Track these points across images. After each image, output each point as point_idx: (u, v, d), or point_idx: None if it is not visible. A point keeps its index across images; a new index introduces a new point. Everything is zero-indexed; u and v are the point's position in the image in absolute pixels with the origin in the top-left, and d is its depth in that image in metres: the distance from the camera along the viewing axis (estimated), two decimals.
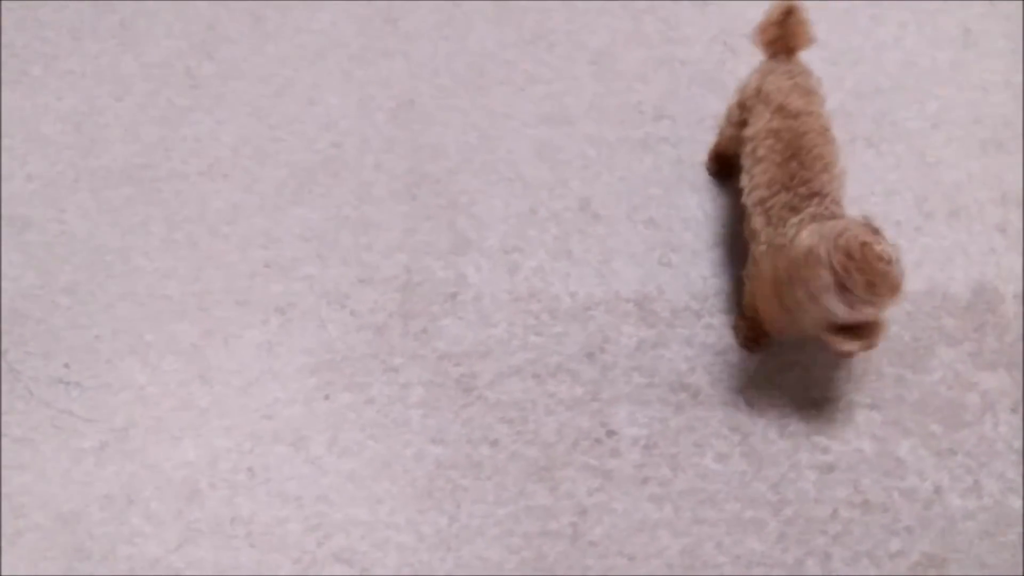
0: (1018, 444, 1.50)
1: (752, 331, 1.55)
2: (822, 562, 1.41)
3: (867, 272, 1.15)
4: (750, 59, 1.88)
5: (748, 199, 1.41)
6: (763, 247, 1.36)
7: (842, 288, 1.16)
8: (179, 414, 1.52)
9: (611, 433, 1.51)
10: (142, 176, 1.76)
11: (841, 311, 1.17)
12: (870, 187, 1.74)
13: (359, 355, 1.58)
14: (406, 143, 1.80)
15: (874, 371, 1.56)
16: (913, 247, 1.67)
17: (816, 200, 1.32)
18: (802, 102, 1.40)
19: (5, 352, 1.57)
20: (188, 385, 1.55)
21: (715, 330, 1.60)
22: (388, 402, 1.54)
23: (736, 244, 1.68)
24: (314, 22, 1.95)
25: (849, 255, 1.15)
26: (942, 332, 1.59)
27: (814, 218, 1.29)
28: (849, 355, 1.35)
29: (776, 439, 1.50)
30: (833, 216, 1.30)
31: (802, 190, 1.32)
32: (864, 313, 1.18)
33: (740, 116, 1.50)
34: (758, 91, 1.44)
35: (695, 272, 1.66)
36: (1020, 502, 1.46)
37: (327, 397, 1.54)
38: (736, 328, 1.58)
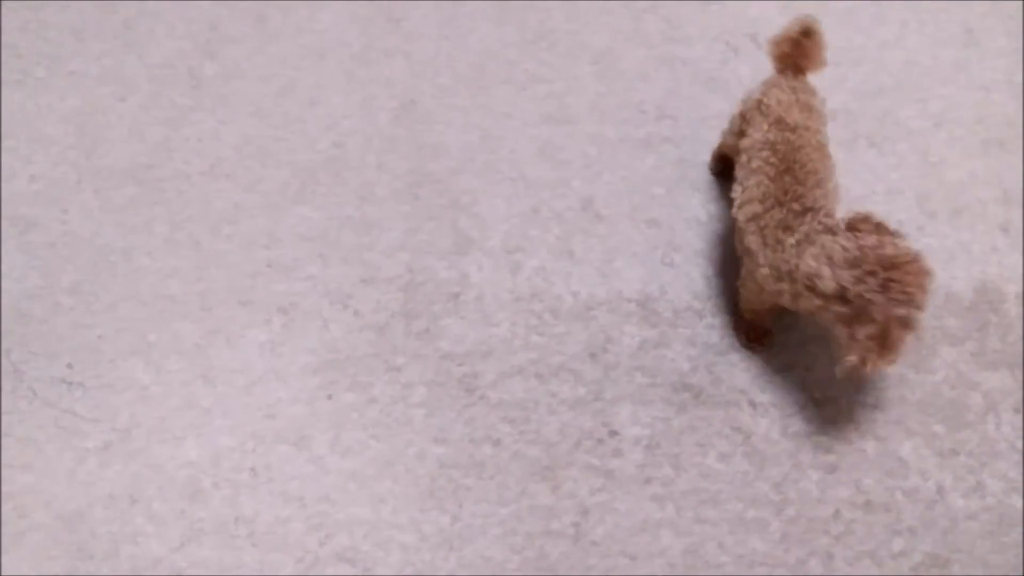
0: (1020, 444, 1.50)
1: (754, 331, 1.55)
2: (824, 562, 1.41)
3: (902, 280, 1.16)
4: (752, 59, 1.89)
5: (740, 214, 1.40)
6: (765, 270, 1.35)
7: (862, 310, 1.18)
8: (182, 414, 1.52)
9: (613, 433, 1.51)
10: (145, 176, 1.76)
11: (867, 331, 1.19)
12: (872, 186, 1.74)
13: (361, 355, 1.58)
14: (408, 143, 1.80)
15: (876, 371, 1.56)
16: (915, 247, 1.67)
17: (808, 216, 1.31)
18: (801, 117, 1.40)
19: (8, 352, 1.58)
20: (191, 385, 1.55)
21: (717, 330, 1.60)
22: (390, 402, 1.54)
23: (734, 245, 1.68)
24: (316, 22, 1.95)
25: (874, 272, 1.16)
26: (944, 332, 1.59)
27: (808, 237, 1.28)
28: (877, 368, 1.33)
29: (778, 439, 1.50)
30: (828, 229, 1.28)
31: (795, 206, 1.32)
32: (900, 315, 1.18)
33: (740, 126, 1.50)
34: (759, 103, 1.44)
35: (697, 272, 1.66)
36: (1022, 502, 1.46)
37: (330, 397, 1.54)
38: (738, 328, 1.58)
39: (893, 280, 1.17)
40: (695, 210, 1.72)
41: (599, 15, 1.96)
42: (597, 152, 1.79)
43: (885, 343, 1.19)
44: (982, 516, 1.45)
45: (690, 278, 1.65)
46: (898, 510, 1.45)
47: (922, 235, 1.69)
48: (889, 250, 1.19)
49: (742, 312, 1.54)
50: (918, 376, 1.55)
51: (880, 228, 1.26)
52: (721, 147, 1.67)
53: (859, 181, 1.73)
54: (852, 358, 1.22)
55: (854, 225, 1.27)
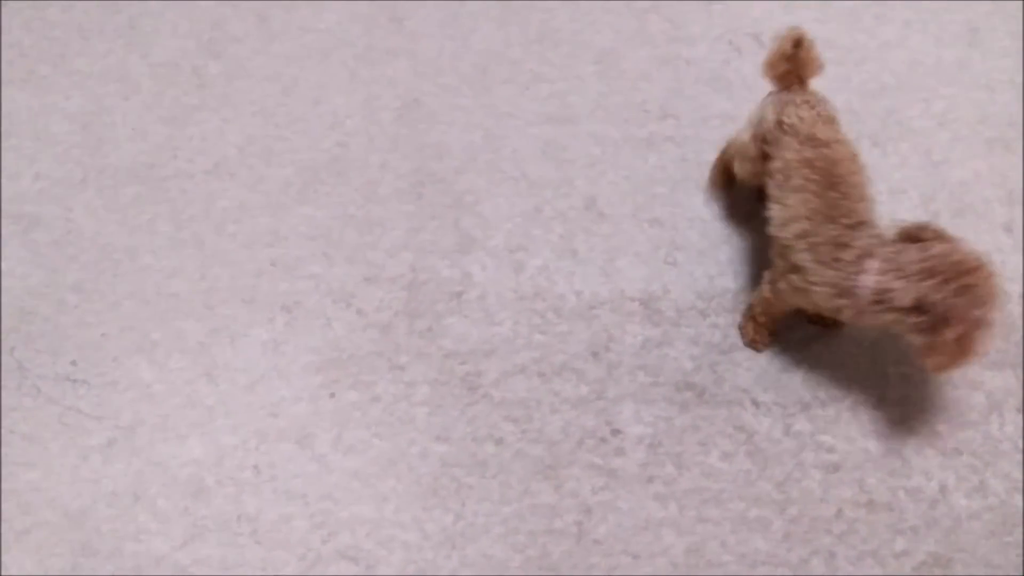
0: (1023, 444, 1.50)
1: (757, 331, 1.55)
2: (827, 561, 1.41)
3: (976, 283, 1.19)
4: (755, 58, 1.88)
5: (786, 231, 1.38)
6: (822, 288, 1.33)
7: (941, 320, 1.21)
8: (185, 412, 1.53)
9: (616, 432, 1.51)
10: (149, 175, 1.76)
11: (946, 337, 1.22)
12: (876, 186, 1.73)
13: (365, 353, 1.58)
14: (411, 142, 1.80)
15: (879, 370, 1.55)
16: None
17: (862, 230, 1.31)
18: (829, 131, 1.40)
19: (13, 349, 1.58)
20: (194, 383, 1.55)
21: (720, 329, 1.60)
22: (393, 400, 1.54)
23: (740, 243, 1.68)
24: (320, 21, 1.95)
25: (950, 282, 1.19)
26: None
27: (867, 251, 1.29)
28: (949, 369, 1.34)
29: (781, 438, 1.50)
30: (884, 242, 1.30)
31: (846, 220, 1.32)
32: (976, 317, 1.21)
33: (758, 150, 1.47)
34: (780, 123, 1.42)
35: (700, 271, 1.66)
36: None
37: (333, 395, 1.55)
38: (742, 328, 1.58)
39: (968, 284, 1.20)
40: (698, 209, 1.72)
41: (602, 15, 1.96)
42: (600, 151, 1.79)
43: (967, 344, 1.23)
44: (985, 516, 1.44)
45: (693, 277, 1.65)
46: (901, 509, 1.45)
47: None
48: (958, 256, 1.22)
49: (754, 314, 1.54)
50: (921, 375, 1.55)
51: (943, 235, 1.28)
52: (736, 175, 1.60)
53: None
54: (936, 360, 1.25)
55: (915, 234, 1.29)
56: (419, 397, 1.54)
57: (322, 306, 1.63)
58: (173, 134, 1.81)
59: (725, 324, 1.60)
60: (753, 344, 1.56)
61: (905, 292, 1.22)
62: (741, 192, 1.69)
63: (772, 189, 1.43)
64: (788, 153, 1.39)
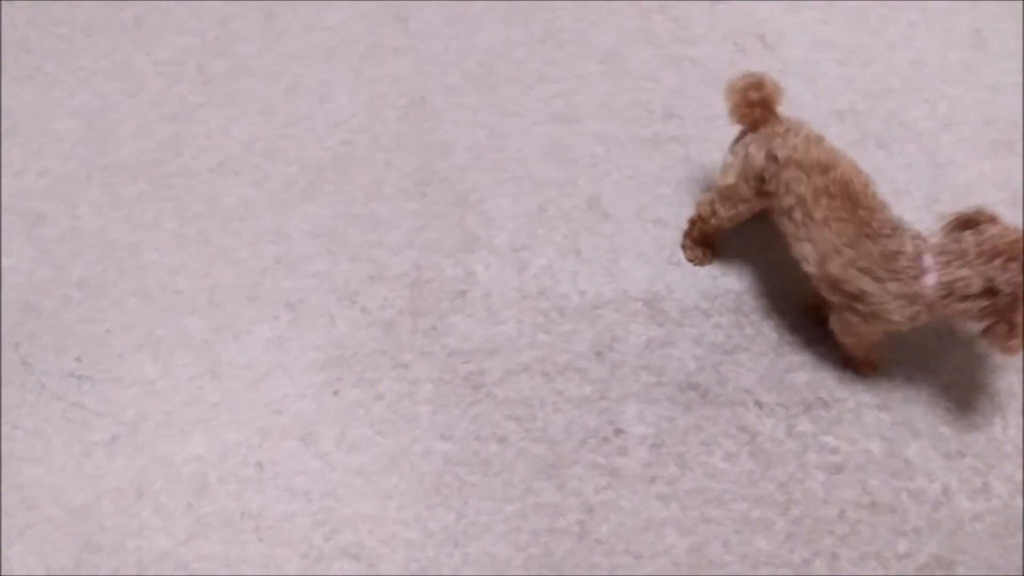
0: None
1: (868, 361, 1.53)
2: (829, 562, 1.41)
3: None
4: (760, 59, 1.89)
5: (829, 266, 1.37)
6: (894, 303, 1.33)
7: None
8: (189, 408, 1.53)
9: (619, 431, 1.51)
10: (154, 172, 1.77)
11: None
12: (880, 187, 1.73)
13: (368, 351, 1.58)
14: (416, 141, 1.80)
15: (883, 372, 1.55)
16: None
17: (899, 233, 1.33)
18: (825, 150, 1.40)
19: (17, 345, 1.58)
20: (198, 380, 1.56)
21: (724, 330, 1.60)
22: (397, 398, 1.54)
23: (742, 243, 1.68)
24: (325, 20, 1.96)
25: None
26: (952, 333, 1.59)
27: (918, 251, 1.30)
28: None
29: (784, 439, 1.50)
30: (922, 237, 1.31)
31: (884, 232, 1.33)
32: None
33: (752, 191, 1.46)
34: (775, 159, 1.41)
35: (704, 271, 1.66)
36: None
37: (336, 393, 1.55)
38: (855, 366, 1.55)
39: None
40: None
41: (607, 14, 1.97)
42: (604, 151, 1.79)
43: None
44: (988, 518, 1.44)
45: (696, 277, 1.65)
46: (903, 511, 1.45)
47: (931, 237, 1.68)
48: (1014, 235, 1.25)
49: (852, 352, 1.52)
50: (925, 377, 1.55)
51: (995, 217, 1.31)
52: (722, 219, 1.56)
53: None
54: (1015, 343, 1.25)
55: (972, 218, 1.31)
56: (422, 395, 1.54)
57: (326, 304, 1.63)
58: (178, 131, 1.81)
59: (729, 324, 1.60)
60: (872, 373, 1.55)
61: (974, 278, 1.23)
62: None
63: (790, 228, 1.42)
64: (799, 187, 1.38)
